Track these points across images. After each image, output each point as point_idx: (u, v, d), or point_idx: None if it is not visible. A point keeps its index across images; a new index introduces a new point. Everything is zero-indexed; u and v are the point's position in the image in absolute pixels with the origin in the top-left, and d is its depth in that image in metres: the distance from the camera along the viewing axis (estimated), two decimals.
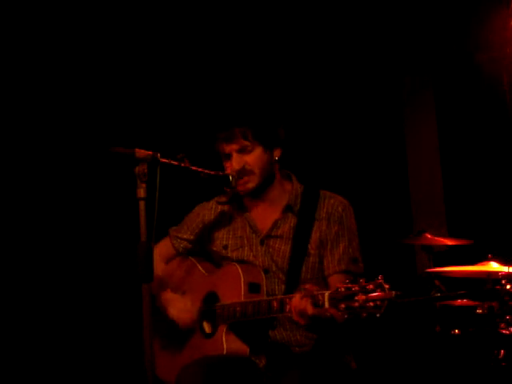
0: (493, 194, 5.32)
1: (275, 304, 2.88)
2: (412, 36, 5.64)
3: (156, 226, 2.66)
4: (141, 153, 2.70)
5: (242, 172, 3.08)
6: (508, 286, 3.83)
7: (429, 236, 4.63)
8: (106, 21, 4.71)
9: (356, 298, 2.51)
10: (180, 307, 3.19)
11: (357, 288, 2.53)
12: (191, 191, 4.23)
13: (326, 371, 2.98)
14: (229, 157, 3.11)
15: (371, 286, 2.50)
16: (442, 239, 4.64)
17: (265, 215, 3.20)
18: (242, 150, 3.08)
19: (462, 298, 4.25)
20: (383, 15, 5.46)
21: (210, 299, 3.16)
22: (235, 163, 3.08)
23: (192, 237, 3.35)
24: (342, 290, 2.57)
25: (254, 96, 3.37)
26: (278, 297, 2.92)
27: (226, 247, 3.24)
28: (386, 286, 2.48)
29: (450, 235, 5.10)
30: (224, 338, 3.01)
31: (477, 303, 4.06)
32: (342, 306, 2.55)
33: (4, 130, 4.43)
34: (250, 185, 3.12)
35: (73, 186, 4.57)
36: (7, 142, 4.44)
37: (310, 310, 2.69)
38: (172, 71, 4.96)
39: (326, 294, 2.64)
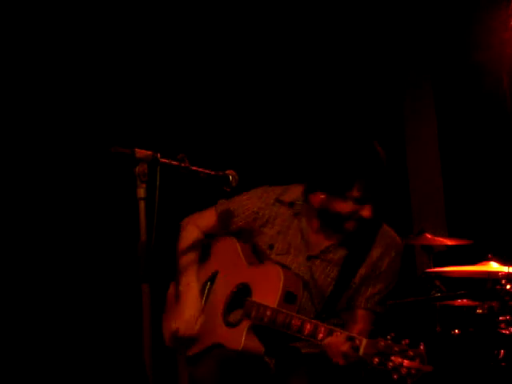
0: (492, 194, 5.32)
1: (308, 326, 2.83)
2: (413, 36, 5.64)
3: (156, 225, 2.66)
4: (141, 153, 2.69)
5: (363, 221, 3.01)
6: (508, 286, 3.83)
7: (429, 236, 4.63)
8: (107, 21, 4.71)
9: (392, 357, 2.49)
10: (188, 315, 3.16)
11: (396, 349, 2.50)
12: (191, 191, 4.24)
13: (335, 371, 2.94)
14: (362, 202, 2.96)
15: (411, 353, 2.48)
16: (442, 239, 4.64)
17: (321, 234, 3.12)
18: (377, 203, 3.01)
19: (461, 298, 4.25)
20: (385, 16, 5.46)
21: (242, 290, 3.11)
22: (369, 212, 2.98)
23: (241, 223, 3.25)
24: (382, 344, 2.54)
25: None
26: (314, 321, 2.85)
27: (271, 247, 3.16)
28: (426, 358, 2.47)
29: (450, 235, 5.10)
30: (244, 334, 2.97)
31: (477, 303, 4.06)
32: (376, 359, 2.52)
33: (5, 131, 4.43)
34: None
35: (73, 186, 4.58)
36: (8, 142, 4.44)
37: (349, 351, 2.65)
38: (173, 70, 4.96)
39: (364, 341, 2.61)
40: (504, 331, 3.79)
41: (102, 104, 4.70)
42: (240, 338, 2.97)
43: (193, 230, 3.33)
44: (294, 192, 3.19)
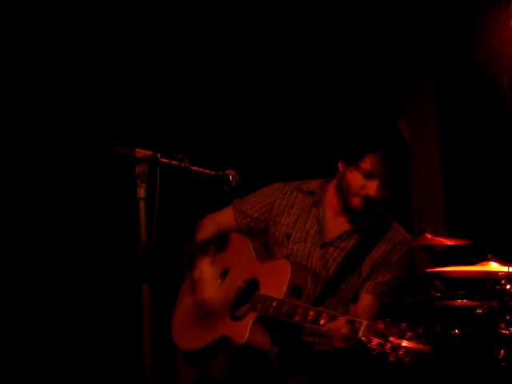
0: (492, 194, 5.32)
1: (311, 313, 2.85)
2: (413, 36, 5.65)
3: (156, 225, 2.66)
4: (141, 153, 2.69)
5: (370, 203, 3.04)
6: (508, 286, 3.84)
7: (429, 236, 4.63)
8: (107, 21, 4.71)
9: (391, 338, 2.51)
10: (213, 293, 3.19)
11: (395, 330, 2.52)
12: (191, 191, 4.24)
13: (334, 370, 2.99)
14: (370, 176, 2.99)
15: (410, 334, 2.49)
16: (442, 239, 4.64)
17: (336, 222, 3.19)
18: (386, 185, 3.00)
19: (461, 298, 4.26)
20: (385, 16, 5.47)
21: (251, 285, 3.14)
22: (378, 192, 3.00)
23: (256, 215, 3.31)
24: (381, 326, 2.56)
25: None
26: (317, 308, 2.88)
27: (288, 236, 3.21)
28: (424, 339, 2.48)
29: (450, 235, 5.11)
30: (249, 327, 2.98)
31: (477, 303, 4.06)
32: (375, 341, 2.54)
33: (5, 132, 4.44)
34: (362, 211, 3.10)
35: (73, 186, 4.58)
36: (8, 142, 4.45)
37: (349, 334, 2.67)
38: (173, 70, 4.97)
39: (364, 323, 2.63)
40: (504, 331, 3.80)
41: (101, 104, 4.70)
42: (245, 331, 2.99)
43: (211, 224, 3.38)
44: (313, 184, 3.27)
